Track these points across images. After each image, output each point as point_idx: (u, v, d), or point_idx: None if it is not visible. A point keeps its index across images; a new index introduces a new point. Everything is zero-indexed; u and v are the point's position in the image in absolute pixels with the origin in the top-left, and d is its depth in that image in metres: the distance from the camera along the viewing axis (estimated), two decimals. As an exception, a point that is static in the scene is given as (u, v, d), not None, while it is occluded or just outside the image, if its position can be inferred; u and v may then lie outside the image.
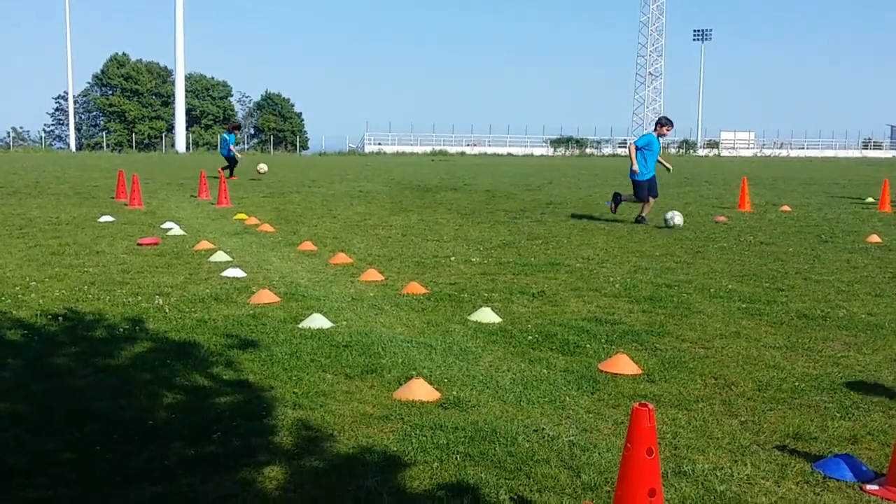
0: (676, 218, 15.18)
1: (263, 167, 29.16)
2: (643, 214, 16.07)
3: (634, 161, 15.83)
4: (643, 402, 3.40)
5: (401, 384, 5.53)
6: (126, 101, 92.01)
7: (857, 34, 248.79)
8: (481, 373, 5.89)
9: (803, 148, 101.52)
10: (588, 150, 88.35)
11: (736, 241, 13.40)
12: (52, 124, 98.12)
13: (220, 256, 10.88)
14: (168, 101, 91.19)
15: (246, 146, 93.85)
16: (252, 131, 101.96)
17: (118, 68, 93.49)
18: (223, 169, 26.51)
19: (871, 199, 21.83)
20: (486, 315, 7.55)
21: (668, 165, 17.04)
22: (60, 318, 7.31)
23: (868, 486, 4.05)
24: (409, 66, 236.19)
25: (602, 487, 4.00)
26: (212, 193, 20.95)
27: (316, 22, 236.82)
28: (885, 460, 4.36)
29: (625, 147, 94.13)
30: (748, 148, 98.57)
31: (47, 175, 30.09)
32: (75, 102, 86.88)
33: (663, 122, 16.53)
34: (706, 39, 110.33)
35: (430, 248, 12.19)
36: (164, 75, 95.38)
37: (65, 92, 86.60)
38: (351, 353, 6.28)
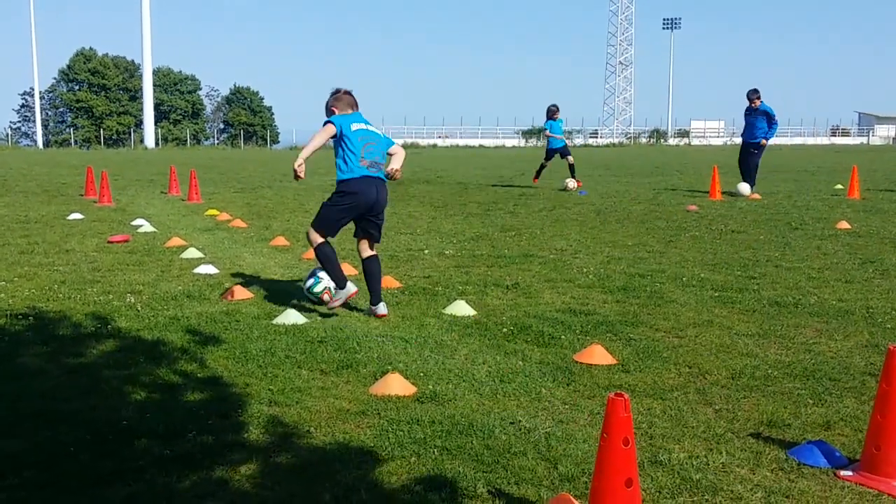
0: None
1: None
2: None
3: None
4: (618, 392, 3.40)
5: (376, 379, 5.52)
6: (93, 97, 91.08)
7: (825, 23, 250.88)
8: (457, 366, 5.88)
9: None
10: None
11: (707, 229, 13.47)
12: (19, 121, 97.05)
13: (192, 253, 10.81)
14: (136, 95, 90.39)
15: (215, 141, 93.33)
16: (222, 126, 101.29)
17: (85, 63, 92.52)
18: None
19: (839, 186, 22.02)
20: (461, 308, 7.55)
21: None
22: (30, 318, 7.22)
23: (842, 472, 4.09)
24: (381, 60, 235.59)
25: (579, 478, 4.01)
26: (182, 189, 20.79)
27: (284, 15, 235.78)
28: (858, 446, 4.40)
29: (596, 137, 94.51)
30: (718, 136, 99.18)
31: (14, 172, 29.76)
32: (42, 98, 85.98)
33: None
34: (676, 28, 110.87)
35: (404, 242, 12.17)
36: (132, 70, 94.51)
37: (31, 88, 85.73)
38: (326, 349, 6.26)
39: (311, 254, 10.73)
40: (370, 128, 7.53)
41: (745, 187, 19.73)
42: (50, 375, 5.62)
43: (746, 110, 20.25)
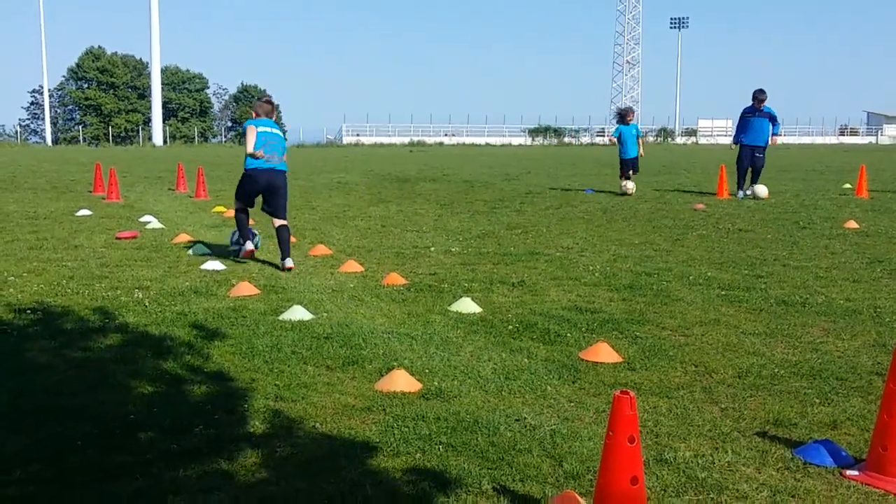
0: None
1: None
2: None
3: None
4: (624, 389, 3.40)
5: (382, 375, 5.52)
6: (102, 95, 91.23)
7: (833, 22, 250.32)
8: (462, 363, 5.89)
9: (781, 135, 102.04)
10: (566, 140, 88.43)
11: (715, 228, 13.45)
12: (28, 118, 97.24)
13: (200, 249, 10.82)
14: (144, 94, 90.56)
15: (223, 139, 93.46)
16: (229, 124, 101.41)
17: (93, 61, 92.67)
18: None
19: (848, 186, 21.96)
20: (467, 305, 7.55)
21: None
22: (39, 313, 7.25)
23: (848, 472, 4.08)
24: (387, 57, 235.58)
25: (584, 476, 4.01)
26: (190, 186, 20.83)
27: (292, 13, 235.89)
28: (864, 446, 4.39)
29: (603, 136, 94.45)
30: (726, 135, 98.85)
31: (24, 169, 29.83)
32: (51, 96, 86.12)
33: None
34: (683, 27, 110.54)
35: (410, 239, 12.18)
36: (140, 68, 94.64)
37: (40, 86, 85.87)
38: (332, 345, 6.27)
39: (316, 251, 10.77)
40: (275, 131, 10.00)
41: (763, 189, 18.82)
42: (57, 370, 5.64)
43: (748, 111, 18.84)
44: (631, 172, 19.73)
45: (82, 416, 4.77)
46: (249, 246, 9.98)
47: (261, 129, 9.80)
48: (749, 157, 19.10)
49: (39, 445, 4.34)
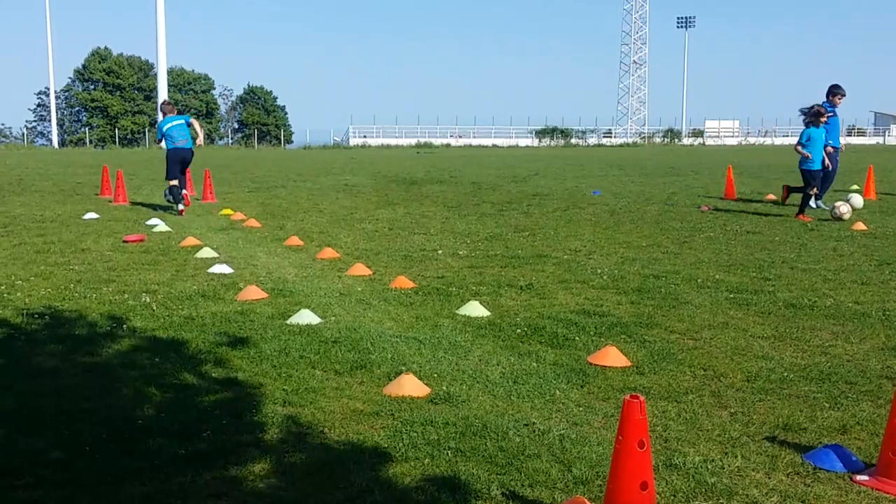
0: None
1: None
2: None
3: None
4: (634, 394, 3.39)
5: (390, 380, 5.52)
6: (108, 96, 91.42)
7: (840, 22, 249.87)
8: (471, 367, 5.88)
9: (788, 136, 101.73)
10: (573, 141, 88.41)
11: (722, 230, 13.43)
12: (34, 120, 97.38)
13: (207, 252, 10.84)
14: (150, 95, 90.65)
15: (230, 140, 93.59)
16: (236, 125, 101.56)
17: (100, 62, 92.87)
18: None
19: (855, 187, 21.91)
20: (475, 309, 7.54)
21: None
22: (46, 317, 7.26)
23: (858, 477, 4.07)
24: (393, 59, 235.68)
25: (594, 481, 4.00)
26: (197, 189, 20.85)
27: (298, 14, 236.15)
28: (874, 450, 4.37)
29: (610, 137, 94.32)
30: (733, 136, 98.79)
31: (30, 172, 29.90)
32: (57, 98, 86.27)
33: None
34: (690, 27, 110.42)
35: (418, 242, 12.17)
36: (146, 69, 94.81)
37: (46, 87, 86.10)
38: (340, 349, 6.26)
39: (324, 254, 10.76)
40: (180, 122, 16.67)
41: (859, 199, 16.40)
42: (66, 374, 5.65)
43: (824, 111, 15.24)
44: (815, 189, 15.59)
45: (91, 420, 4.77)
46: (181, 207, 16.20)
47: (171, 123, 16.62)
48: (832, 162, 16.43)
49: (48, 449, 4.34)
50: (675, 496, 3.87)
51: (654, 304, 7.88)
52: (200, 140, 17.46)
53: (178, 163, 16.49)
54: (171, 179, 16.40)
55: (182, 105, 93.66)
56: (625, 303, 7.98)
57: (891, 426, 4.01)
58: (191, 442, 4.46)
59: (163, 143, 17.35)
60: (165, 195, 16.73)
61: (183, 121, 16.70)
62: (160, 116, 16.59)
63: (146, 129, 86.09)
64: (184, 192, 16.55)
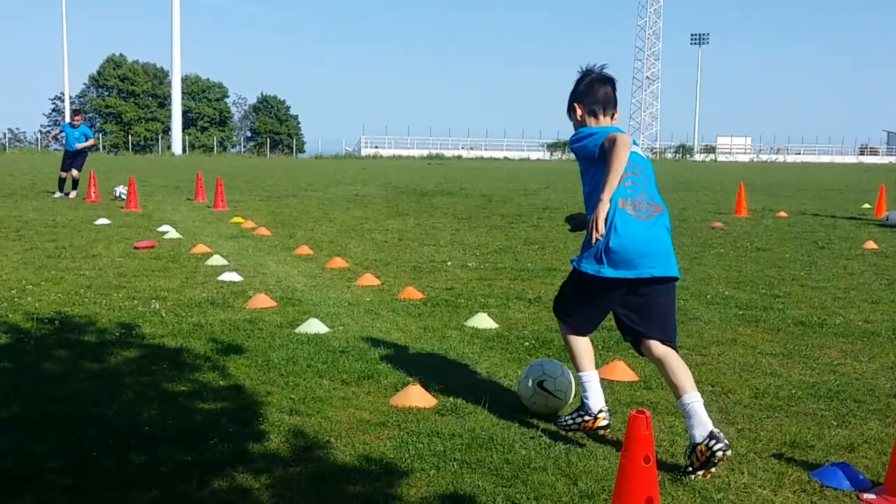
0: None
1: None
2: None
3: None
4: (640, 409, 3.39)
5: (397, 390, 5.52)
6: (122, 103, 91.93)
7: (854, 40, 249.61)
8: (478, 379, 5.88)
9: (800, 153, 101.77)
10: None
11: (732, 246, 13.41)
12: (49, 125, 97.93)
13: (217, 260, 10.87)
14: (164, 102, 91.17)
15: (242, 149, 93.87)
16: (248, 134, 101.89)
17: (114, 69, 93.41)
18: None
19: (867, 206, 21.86)
20: (483, 321, 7.54)
21: None
22: (56, 322, 7.29)
23: (865, 496, 4.05)
24: (406, 70, 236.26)
25: (599, 496, 3.99)
26: (208, 196, 20.92)
27: (312, 24, 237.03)
28: (882, 469, 4.35)
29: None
30: (745, 153, 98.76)
31: (43, 177, 30.04)
32: (72, 103, 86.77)
33: None
34: (704, 43, 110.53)
35: (427, 253, 12.19)
36: (161, 76, 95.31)
37: (61, 93, 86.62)
38: (347, 359, 6.27)
39: (333, 263, 10.78)
40: (76, 130, 21.72)
41: None
42: (74, 380, 5.66)
43: None
44: None
45: (99, 426, 4.78)
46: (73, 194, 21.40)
47: (69, 131, 21.85)
48: None
49: (55, 455, 4.35)
50: (680, 512, 3.86)
51: (662, 320, 7.85)
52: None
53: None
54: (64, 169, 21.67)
55: (195, 113, 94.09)
56: (633, 317, 7.95)
57: (898, 446, 3.98)
58: (197, 449, 4.46)
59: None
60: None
61: (89, 130, 22.53)
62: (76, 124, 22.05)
63: (159, 136, 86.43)
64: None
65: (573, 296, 4.83)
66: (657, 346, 4.56)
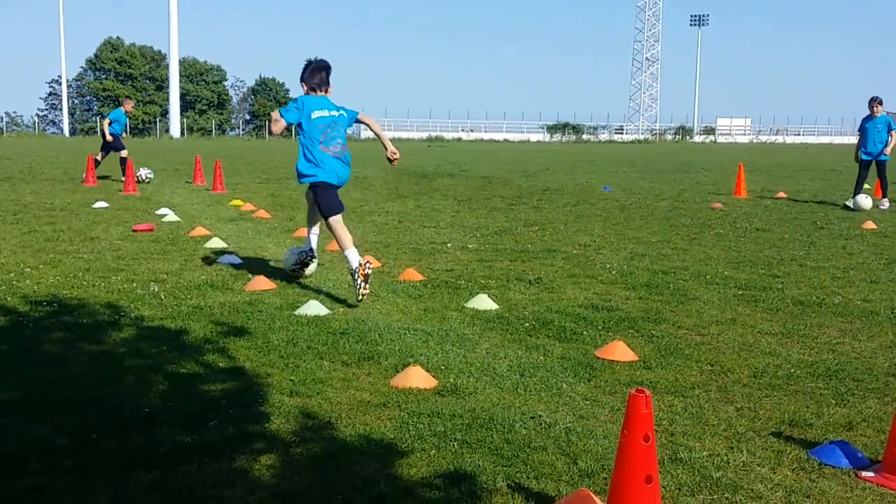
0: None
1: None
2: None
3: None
4: (640, 388, 3.39)
5: (398, 371, 5.53)
6: (120, 86, 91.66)
7: (853, 20, 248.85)
8: (478, 360, 5.88)
9: (799, 134, 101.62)
10: (585, 136, 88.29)
11: (732, 227, 13.40)
12: (46, 109, 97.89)
13: (216, 243, 10.87)
14: (162, 85, 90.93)
15: (241, 131, 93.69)
16: (247, 116, 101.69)
17: (112, 52, 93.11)
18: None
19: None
20: (483, 302, 7.55)
21: None
22: (55, 305, 7.29)
23: (863, 473, 4.06)
24: (405, 52, 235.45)
25: (599, 474, 4.00)
26: (207, 179, 20.88)
27: (310, 6, 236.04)
28: (880, 447, 4.36)
29: (621, 133, 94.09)
30: (744, 134, 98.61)
31: (41, 160, 30.00)
32: (69, 87, 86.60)
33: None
34: (703, 25, 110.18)
35: (427, 235, 12.18)
36: (158, 59, 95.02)
37: (58, 76, 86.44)
38: (348, 341, 6.27)
39: (333, 246, 10.76)
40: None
41: (867, 201, 16.76)
42: (73, 362, 5.67)
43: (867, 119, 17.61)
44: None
45: (98, 408, 4.79)
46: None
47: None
48: (875, 166, 18.02)
49: (55, 437, 4.36)
50: (679, 490, 3.87)
51: (662, 300, 7.87)
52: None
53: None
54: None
55: (193, 96, 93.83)
56: (633, 298, 7.97)
57: (897, 424, 4.00)
58: (197, 431, 4.47)
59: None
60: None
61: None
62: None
63: (157, 119, 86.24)
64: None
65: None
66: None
